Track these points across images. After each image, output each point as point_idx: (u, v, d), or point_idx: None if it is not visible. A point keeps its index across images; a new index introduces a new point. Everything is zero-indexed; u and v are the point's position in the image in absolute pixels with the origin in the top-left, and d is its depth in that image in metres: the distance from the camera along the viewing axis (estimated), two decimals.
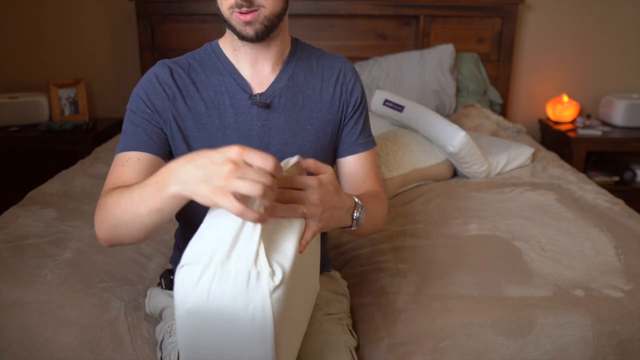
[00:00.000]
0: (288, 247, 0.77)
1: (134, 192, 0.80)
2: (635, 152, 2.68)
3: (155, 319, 1.16)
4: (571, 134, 2.59)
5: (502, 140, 2.11)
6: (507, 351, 1.07)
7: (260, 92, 1.03)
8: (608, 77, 2.89)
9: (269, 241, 0.75)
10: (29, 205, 1.62)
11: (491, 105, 2.72)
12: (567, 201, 1.69)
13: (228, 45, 1.04)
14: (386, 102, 2.04)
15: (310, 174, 0.87)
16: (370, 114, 2.13)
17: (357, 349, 1.10)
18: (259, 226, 0.72)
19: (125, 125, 1.00)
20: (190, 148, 1.00)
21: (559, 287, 1.21)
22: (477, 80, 2.69)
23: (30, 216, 1.54)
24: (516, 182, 1.88)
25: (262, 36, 0.95)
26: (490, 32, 2.73)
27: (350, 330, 1.11)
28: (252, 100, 1.01)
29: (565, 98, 2.77)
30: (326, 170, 0.87)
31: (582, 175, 1.97)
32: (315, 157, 1.05)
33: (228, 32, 1.02)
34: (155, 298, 1.13)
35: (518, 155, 2.02)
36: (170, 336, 1.02)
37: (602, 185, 2.22)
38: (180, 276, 0.71)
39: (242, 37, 0.95)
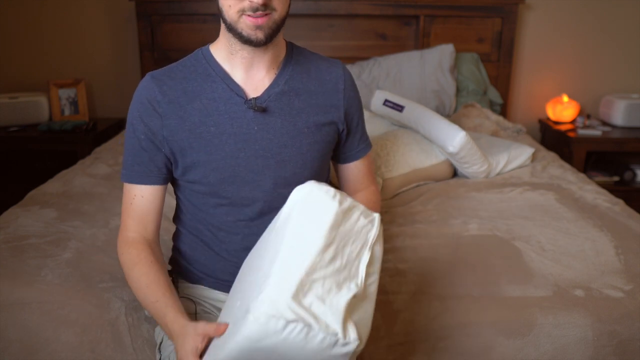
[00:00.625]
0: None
1: (146, 299, 0.99)
2: (635, 152, 2.68)
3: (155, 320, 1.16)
4: (571, 134, 2.59)
5: (502, 140, 2.11)
6: (507, 351, 1.07)
7: (255, 96, 1.03)
8: (608, 77, 2.89)
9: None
10: (29, 205, 1.63)
11: (491, 105, 2.72)
12: (567, 201, 1.69)
13: (222, 50, 1.03)
14: (386, 102, 2.04)
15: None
16: (370, 114, 2.15)
17: None
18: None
19: (126, 144, 1.06)
20: (187, 158, 1.02)
21: (559, 287, 1.21)
22: (477, 80, 2.69)
23: (30, 216, 1.54)
24: (516, 182, 1.88)
25: (269, 40, 0.95)
26: (490, 32, 2.73)
27: None
28: (247, 105, 1.01)
29: (565, 98, 2.77)
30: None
31: (582, 175, 1.97)
32: (313, 159, 1.07)
33: (223, 37, 1.02)
34: None
35: (518, 155, 2.02)
36: (169, 338, 1.02)
37: (602, 185, 2.22)
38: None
39: (247, 41, 0.95)
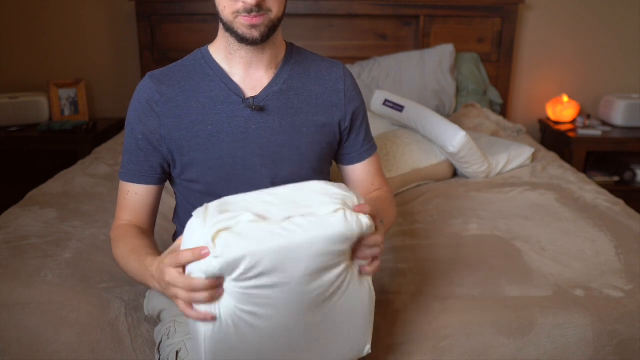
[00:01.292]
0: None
1: (129, 265, 0.97)
2: (635, 152, 2.69)
3: (155, 320, 1.16)
4: (571, 134, 2.59)
5: (502, 140, 2.11)
6: (507, 351, 1.07)
7: (253, 95, 1.03)
8: (608, 77, 2.89)
9: None
10: (29, 205, 1.62)
11: (491, 105, 2.73)
12: (567, 201, 1.69)
13: (220, 50, 1.04)
14: (386, 102, 2.04)
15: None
16: (370, 114, 2.14)
17: None
18: None
19: (125, 144, 1.06)
20: (185, 157, 1.03)
21: (559, 287, 1.21)
22: (477, 80, 2.69)
23: (30, 216, 1.54)
24: (516, 182, 1.88)
25: (265, 39, 0.96)
26: (490, 32, 2.73)
27: None
28: (245, 104, 1.02)
29: (565, 98, 2.77)
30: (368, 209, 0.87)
31: (582, 175, 1.97)
32: (312, 159, 1.07)
33: (221, 37, 1.03)
34: (153, 300, 1.13)
35: (518, 155, 2.02)
36: (168, 338, 1.02)
37: (602, 185, 2.22)
38: None
39: (244, 40, 0.96)
